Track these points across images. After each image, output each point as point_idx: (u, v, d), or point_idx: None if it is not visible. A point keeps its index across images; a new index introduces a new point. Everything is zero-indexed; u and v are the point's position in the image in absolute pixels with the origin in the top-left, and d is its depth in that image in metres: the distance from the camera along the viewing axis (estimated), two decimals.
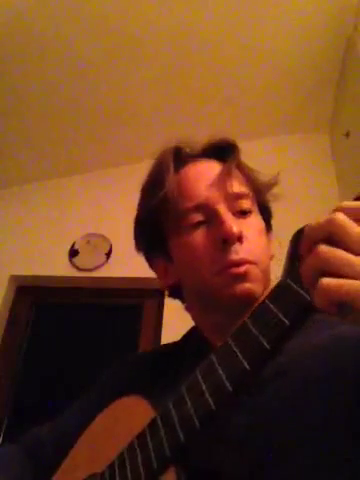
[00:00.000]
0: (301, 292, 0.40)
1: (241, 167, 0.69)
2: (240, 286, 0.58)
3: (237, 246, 0.60)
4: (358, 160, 2.11)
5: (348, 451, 0.45)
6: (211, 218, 0.63)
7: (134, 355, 0.77)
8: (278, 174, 0.71)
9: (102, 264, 2.49)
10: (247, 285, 0.58)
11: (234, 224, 0.60)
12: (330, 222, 0.36)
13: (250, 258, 0.60)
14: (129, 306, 2.49)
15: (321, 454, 0.45)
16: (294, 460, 0.46)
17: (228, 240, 0.59)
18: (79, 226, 2.59)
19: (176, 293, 0.71)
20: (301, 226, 0.49)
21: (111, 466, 0.53)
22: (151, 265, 0.74)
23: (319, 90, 2.47)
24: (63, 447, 0.65)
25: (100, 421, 0.60)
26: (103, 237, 2.52)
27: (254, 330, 0.42)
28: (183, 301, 0.71)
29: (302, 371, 0.51)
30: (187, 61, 2.28)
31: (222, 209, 0.62)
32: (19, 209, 2.75)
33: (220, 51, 2.24)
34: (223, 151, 0.69)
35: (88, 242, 2.56)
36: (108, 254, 2.50)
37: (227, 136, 0.71)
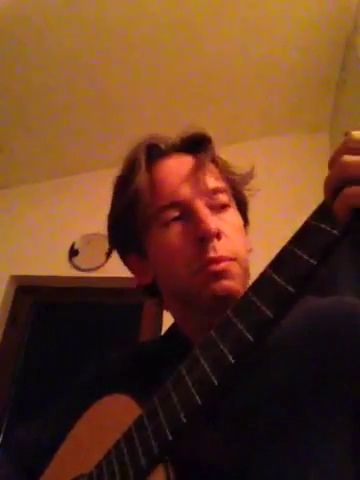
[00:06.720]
0: (283, 284, 0.39)
1: (216, 161, 0.67)
2: (219, 284, 0.56)
3: (215, 243, 0.58)
4: None
5: (339, 423, 0.47)
6: (187, 215, 0.60)
7: (115, 353, 0.76)
8: (253, 168, 0.69)
9: (102, 264, 2.49)
10: (226, 282, 0.57)
11: (212, 221, 0.58)
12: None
13: (229, 255, 0.58)
14: (129, 306, 2.48)
15: (312, 428, 0.47)
16: (283, 443, 0.46)
17: (206, 237, 0.57)
18: (79, 226, 2.59)
19: (152, 292, 0.69)
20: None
21: (98, 466, 0.52)
22: (125, 262, 0.72)
23: (319, 90, 2.46)
24: (45, 450, 0.64)
25: (85, 420, 0.59)
26: (103, 237, 2.51)
27: (237, 323, 0.42)
28: (160, 299, 0.69)
29: (284, 351, 0.53)
30: (187, 61, 2.28)
31: (199, 205, 0.60)
32: (19, 209, 2.76)
33: (220, 51, 2.24)
34: (197, 145, 0.66)
35: (88, 242, 2.56)
36: (108, 254, 2.48)
37: (200, 129, 0.68)
